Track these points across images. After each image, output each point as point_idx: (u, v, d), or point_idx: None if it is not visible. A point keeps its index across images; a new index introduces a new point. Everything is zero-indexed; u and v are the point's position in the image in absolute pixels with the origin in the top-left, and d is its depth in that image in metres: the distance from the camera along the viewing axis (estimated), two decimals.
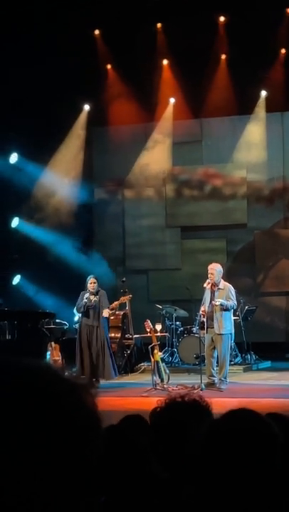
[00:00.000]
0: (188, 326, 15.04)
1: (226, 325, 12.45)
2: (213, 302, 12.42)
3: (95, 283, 13.20)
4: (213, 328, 12.45)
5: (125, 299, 14.63)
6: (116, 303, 14.26)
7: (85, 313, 13.21)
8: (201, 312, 12.69)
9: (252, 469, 1.89)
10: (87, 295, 13.11)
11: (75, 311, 14.02)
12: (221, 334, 12.40)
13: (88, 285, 13.18)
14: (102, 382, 12.79)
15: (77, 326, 13.96)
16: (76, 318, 14.39)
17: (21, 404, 1.16)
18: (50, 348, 14.72)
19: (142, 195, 18.31)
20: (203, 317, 12.52)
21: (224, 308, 12.39)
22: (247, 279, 17.32)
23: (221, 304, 12.33)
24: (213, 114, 17.42)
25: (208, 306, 12.47)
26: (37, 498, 1.13)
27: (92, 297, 13.10)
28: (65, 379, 1.22)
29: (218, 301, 12.35)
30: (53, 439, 1.15)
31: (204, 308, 12.51)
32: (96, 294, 13.19)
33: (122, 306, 15.17)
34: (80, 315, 13.47)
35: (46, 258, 17.35)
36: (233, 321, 12.85)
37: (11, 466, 1.12)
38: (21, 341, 14.91)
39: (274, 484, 1.91)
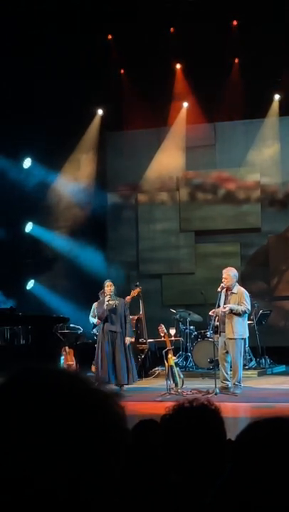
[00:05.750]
0: (202, 331, 15.01)
1: (238, 329, 12.38)
2: (221, 307, 12.38)
3: (111, 286, 13.15)
4: (225, 332, 12.42)
5: (136, 292, 14.55)
6: (128, 298, 14.21)
7: (108, 319, 13.09)
8: (210, 313, 12.69)
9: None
10: (107, 298, 13.03)
11: (91, 319, 13.94)
12: (232, 339, 12.36)
13: (105, 289, 13.12)
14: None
15: (95, 331, 13.86)
16: (94, 324, 14.11)
17: (51, 413, 1.20)
18: (64, 353, 14.73)
19: (156, 200, 18.31)
20: (217, 321, 12.51)
21: (235, 313, 12.35)
22: (261, 283, 17.28)
23: (230, 309, 12.30)
24: (226, 118, 17.42)
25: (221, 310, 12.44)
26: (60, 498, 1.17)
27: (111, 302, 13.03)
28: (95, 389, 1.26)
29: (227, 307, 12.31)
30: (80, 448, 1.19)
31: (218, 310, 12.47)
32: (116, 298, 13.11)
33: (134, 309, 15.16)
34: (97, 321, 13.33)
35: (59, 263, 17.38)
36: (246, 326, 12.79)
37: (37, 470, 1.17)
38: (35, 346, 14.93)
39: None
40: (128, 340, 13.09)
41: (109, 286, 13.10)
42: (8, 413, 1.21)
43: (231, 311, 12.31)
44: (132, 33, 15.96)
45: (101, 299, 13.18)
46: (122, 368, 12.93)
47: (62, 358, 14.66)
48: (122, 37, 16.59)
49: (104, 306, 12.99)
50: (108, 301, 12.98)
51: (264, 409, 10.58)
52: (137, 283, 15.44)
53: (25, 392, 1.22)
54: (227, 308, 12.28)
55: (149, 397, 11.97)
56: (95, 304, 13.67)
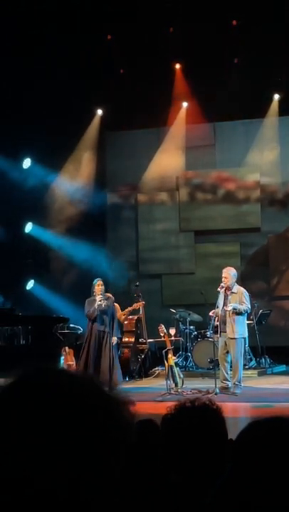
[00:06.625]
0: (202, 330, 15.01)
1: (239, 329, 12.39)
2: (225, 307, 12.39)
3: (102, 285, 13.07)
4: (226, 332, 12.42)
5: (138, 305, 14.63)
6: (129, 308, 14.26)
7: (97, 318, 13.05)
8: (210, 313, 12.69)
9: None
10: (99, 297, 12.97)
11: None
12: (233, 338, 12.36)
13: (95, 288, 13.01)
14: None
15: None
16: None
17: (51, 413, 1.20)
18: (64, 353, 14.73)
19: (156, 200, 18.32)
20: (217, 321, 12.51)
21: (237, 312, 12.36)
22: (261, 283, 17.28)
23: (233, 308, 12.30)
24: (226, 118, 17.43)
25: (222, 310, 12.44)
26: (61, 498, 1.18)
27: (102, 302, 12.96)
28: (97, 390, 1.27)
29: (230, 306, 12.32)
30: (81, 448, 1.20)
31: (217, 311, 12.48)
32: (106, 298, 13.06)
33: (135, 311, 15.17)
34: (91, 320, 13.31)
35: (59, 263, 17.38)
36: (246, 325, 12.80)
37: (37, 470, 1.18)
38: (35, 346, 14.92)
39: None
40: (115, 339, 13.01)
41: (99, 286, 12.99)
42: (9, 413, 1.21)
43: (234, 310, 12.31)
44: (132, 33, 15.96)
45: (91, 297, 13.11)
46: (104, 368, 12.86)
47: (62, 358, 14.65)
48: (122, 37, 16.57)
49: (96, 306, 12.94)
50: (100, 301, 12.91)
51: (264, 409, 10.59)
52: (137, 283, 15.45)
53: (25, 392, 1.23)
54: (230, 308, 12.28)
55: (149, 397, 11.96)
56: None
